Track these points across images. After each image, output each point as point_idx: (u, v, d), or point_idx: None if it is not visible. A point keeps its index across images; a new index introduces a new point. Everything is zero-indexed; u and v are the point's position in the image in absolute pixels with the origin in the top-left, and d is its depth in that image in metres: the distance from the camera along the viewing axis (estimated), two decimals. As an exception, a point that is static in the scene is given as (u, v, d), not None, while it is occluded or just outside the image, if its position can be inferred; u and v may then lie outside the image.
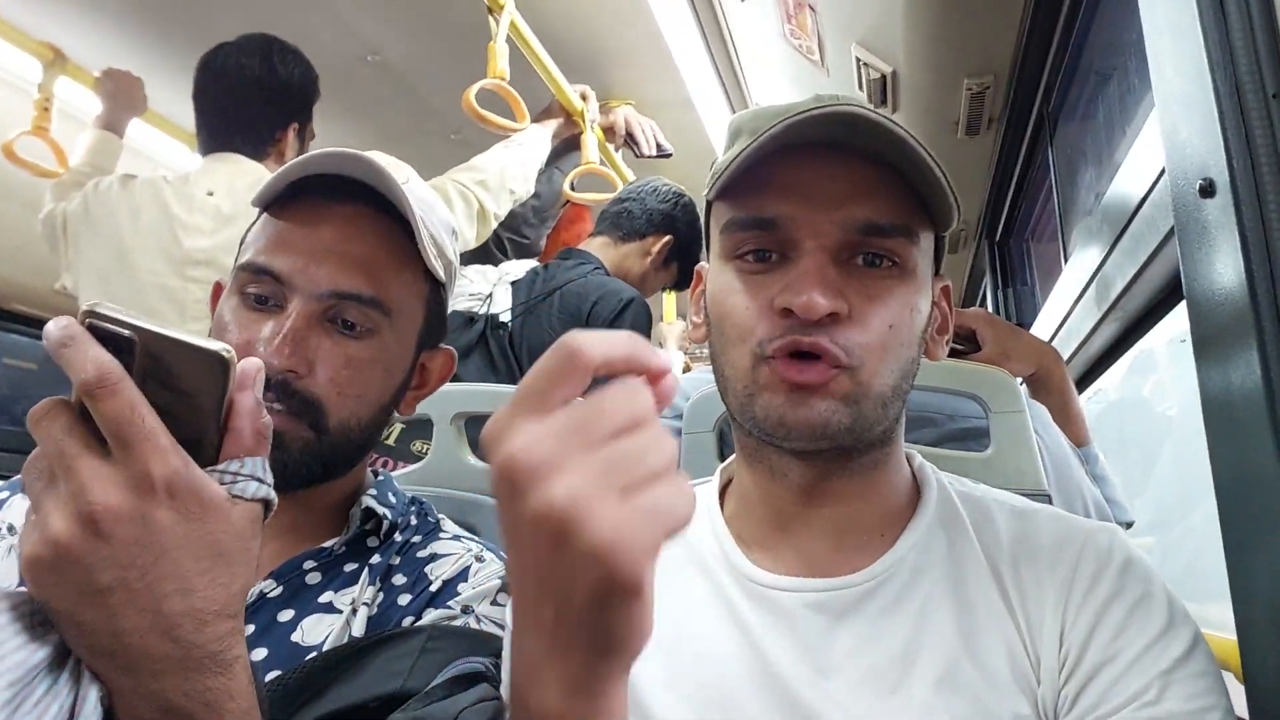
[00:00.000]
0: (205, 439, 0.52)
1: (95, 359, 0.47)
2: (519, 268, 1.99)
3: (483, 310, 1.89)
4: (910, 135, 0.67)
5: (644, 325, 1.88)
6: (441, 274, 0.89)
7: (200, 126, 1.85)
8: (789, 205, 0.69)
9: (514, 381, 1.81)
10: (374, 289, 0.83)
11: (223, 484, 0.52)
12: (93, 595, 0.48)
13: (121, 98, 2.17)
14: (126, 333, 0.49)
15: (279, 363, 0.78)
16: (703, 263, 0.81)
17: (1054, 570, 0.69)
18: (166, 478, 0.49)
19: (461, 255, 1.61)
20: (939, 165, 0.68)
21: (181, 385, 0.51)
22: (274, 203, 0.86)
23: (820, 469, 0.72)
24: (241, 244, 0.88)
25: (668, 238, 2.08)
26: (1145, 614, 0.65)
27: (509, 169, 2.06)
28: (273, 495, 0.54)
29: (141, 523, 0.48)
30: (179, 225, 1.73)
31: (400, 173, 0.87)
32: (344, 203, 0.84)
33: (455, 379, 0.99)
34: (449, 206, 1.94)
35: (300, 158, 0.84)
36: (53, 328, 0.48)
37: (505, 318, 1.89)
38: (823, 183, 0.69)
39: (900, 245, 0.70)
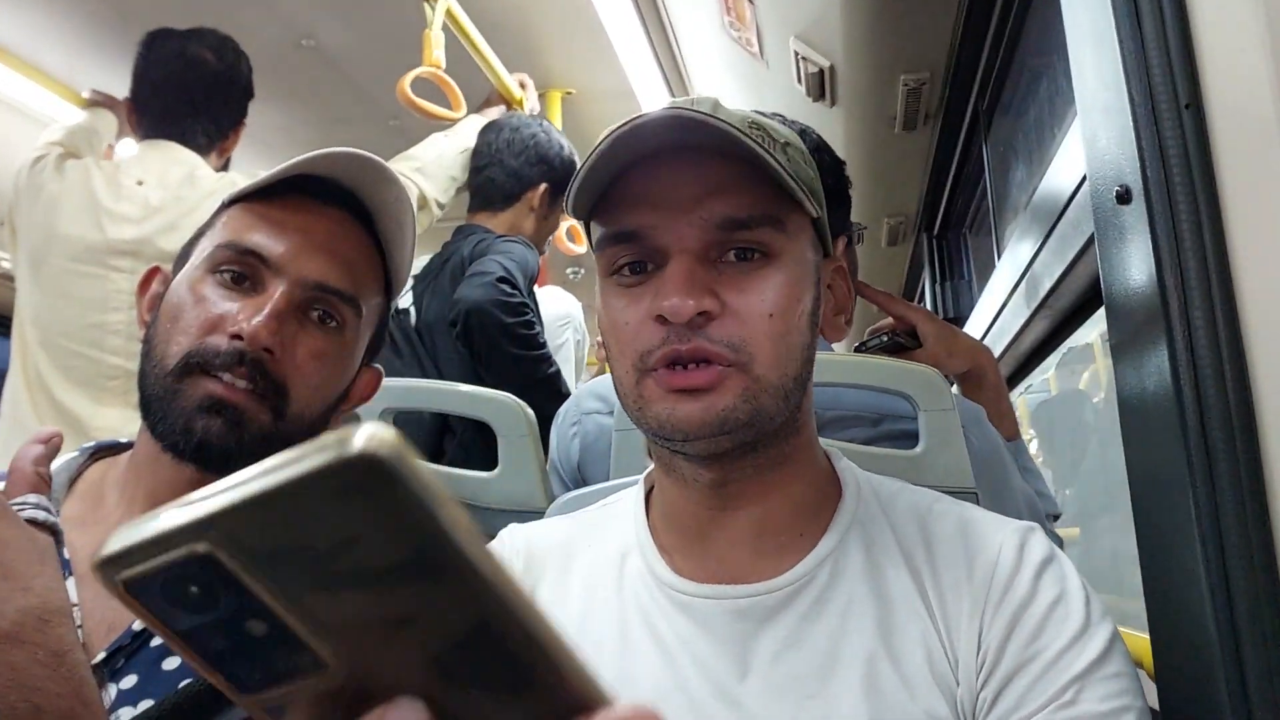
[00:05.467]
0: None
1: None
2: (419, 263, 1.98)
3: None
4: (754, 136, 0.67)
5: (530, 261, 1.86)
6: (398, 288, 0.94)
7: (148, 109, 1.81)
8: (648, 215, 0.70)
9: (419, 365, 1.84)
10: (355, 289, 0.86)
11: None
12: None
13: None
14: None
15: (263, 338, 0.78)
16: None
17: (971, 571, 0.69)
18: None
19: None
20: (785, 163, 0.68)
21: None
22: (255, 194, 0.86)
23: (726, 469, 0.72)
24: (200, 233, 0.88)
25: (543, 186, 2.00)
26: (1062, 615, 0.66)
27: (447, 155, 2.06)
28: (56, 521, 0.54)
29: None
30: (104, 213, 1.69)
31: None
32: (332, 205, 0.87)
33: None
34: None
35: (324, 152, 0.84)
36: None
37: (404, 303, 1.89)
38: (677, 187, 0.69)
39: (766, 235, 0.70)
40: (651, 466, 0.83)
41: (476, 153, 2.06)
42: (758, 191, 0.69)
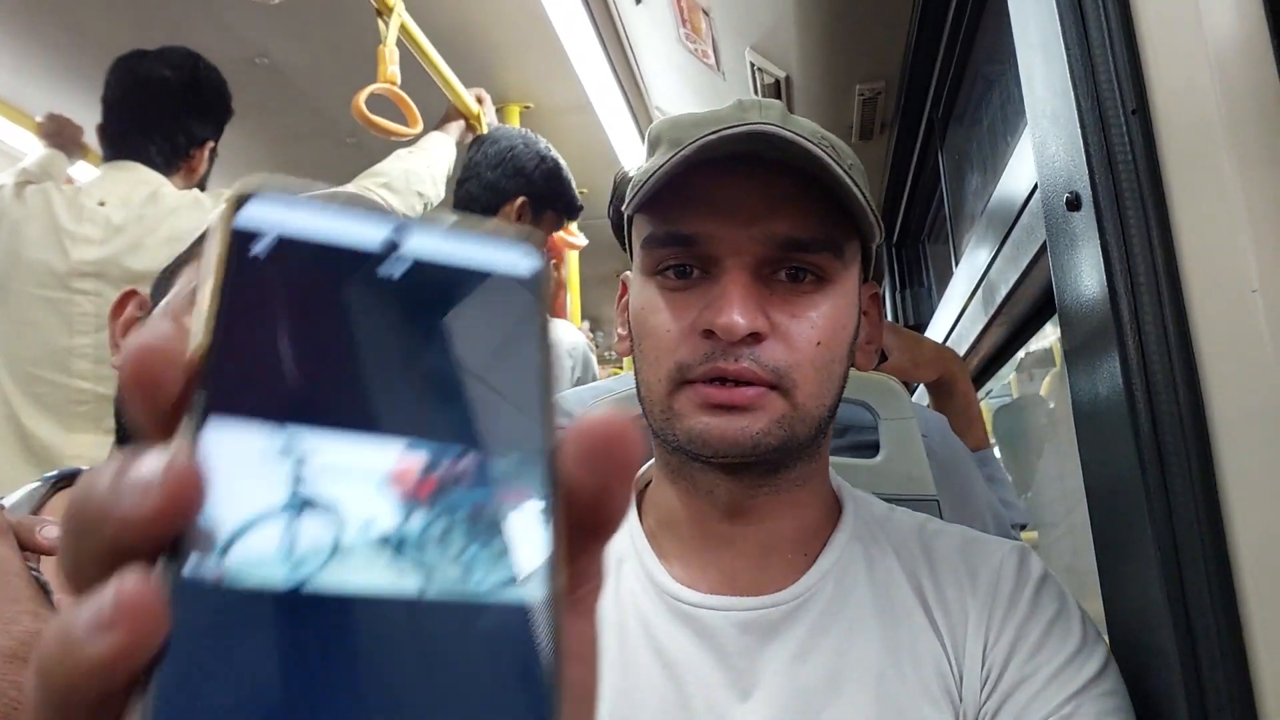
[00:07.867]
0: None
1: None
2: None
3: None
4: (828, 154, 0.65)
5: None
6: None
7: (108, 131, 1.79)
8: (708, 222, 0.67)
9: None
10: None
11: None
12: None
13: (60, 140, 2.07)
14: None
15: None
16: (627, 273, 0.78)
17: (975, 587, 0.69)
18: None
19: None
20: (859, 185, 0.67)
21: None
22: None
23: (748, 485, 0.70)
24: (182, 261, 0.84)
25: (521, 199, 1.97)
26: (1061, 633, 0.67)
27: (414, 171, 2.04)
28: (47, 580, 0.54)
29: None
30: (66, 236, 1.67)
31: None
32: None
33: None
34: None
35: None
36: None
37: None
38: (742, 197, 0.67)
39: (824, 260, 0.68)
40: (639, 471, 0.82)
41: (461, 166, 2.04)
42: (821, 212, 0.68)
